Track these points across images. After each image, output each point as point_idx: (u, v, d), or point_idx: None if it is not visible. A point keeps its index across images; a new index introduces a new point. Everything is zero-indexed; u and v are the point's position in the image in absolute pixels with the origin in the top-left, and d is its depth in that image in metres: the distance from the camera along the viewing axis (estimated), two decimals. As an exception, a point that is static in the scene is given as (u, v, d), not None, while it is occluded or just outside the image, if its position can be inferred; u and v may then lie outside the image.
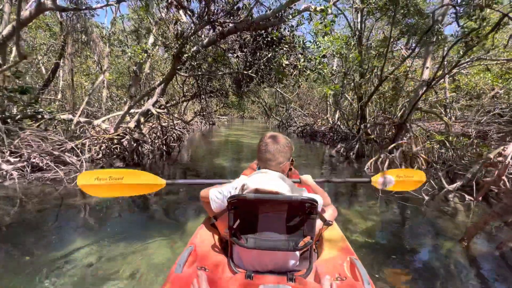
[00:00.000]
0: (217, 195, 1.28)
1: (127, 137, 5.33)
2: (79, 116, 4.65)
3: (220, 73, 4.89)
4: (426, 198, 3.27)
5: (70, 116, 4.73)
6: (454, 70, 7.69)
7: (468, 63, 7.19)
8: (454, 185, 3.44)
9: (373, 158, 5.07)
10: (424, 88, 5.52)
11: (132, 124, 5.83)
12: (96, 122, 5.60)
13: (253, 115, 37.43)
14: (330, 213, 1.42)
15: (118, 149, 5.32)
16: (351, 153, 6.43)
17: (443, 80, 8.30)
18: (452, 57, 9.16)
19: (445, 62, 9.35)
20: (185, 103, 11.70)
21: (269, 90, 27.35)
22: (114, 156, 5.19)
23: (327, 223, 1.22)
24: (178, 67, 4.52)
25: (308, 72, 4.53)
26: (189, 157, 6.52)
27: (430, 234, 2.62)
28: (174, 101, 10.29)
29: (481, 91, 7.06)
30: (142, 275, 1.80)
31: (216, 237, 1.39)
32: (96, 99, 11.34)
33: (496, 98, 8.62)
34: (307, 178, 1.53)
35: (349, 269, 1.15)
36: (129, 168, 4.81)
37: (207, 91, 6.78)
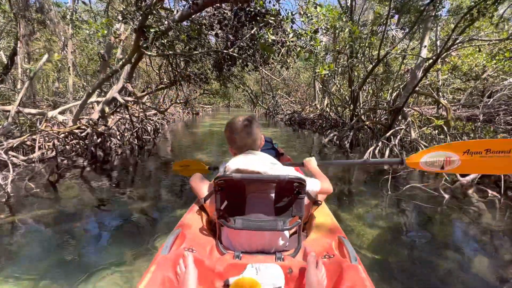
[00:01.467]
0: (205, 178, 1.33)
1: (89, 130, 4.53)
2: (18, 105, 3.79)
3: (195, 52, 4.15)
4: (446, 196, 2.74)
5: (14, 108, 3.87)
6: (446, 53, 7.27)
7: (460, 43, 6.80)
8: (469, 177, 2.98)
9: (372, 148, 4.57)
10: (428, 64, 5.00)
11: (95, 115, 5.01)
12: (51, 113, 4.74)
13: (239, 104, 36.51)
14: (316, 186, 1.31)
15: (80, 144, 4.53)
16: (345, 142, 5.92)
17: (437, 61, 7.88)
18: (443, 39, 8.79)
19: (438, 42, 8.96)
20: (164, 92, 10.77)
21: (254, 77, 26.49)
22: (73, 153, 4.40)
23: (316, 203, 1.25)
24: (144, 45, 3.73)
25: (299, 49, 3.88)
26: (167, 150, 5.79)
27: (451, 244, 2.13)
28: (150, 89, 9.39)
29: (479, 72, 6.69)
30: (128, 259, 1.78)
31: (205, 220, 1.37)
32: (67, 89, 10.19)
33: (486, 80, 8.37)
34: (310, 160, 1.51)
35: (337, 248, 1.16)
36: (93, 165, 4.06)
37: (184, 76, 5.98)
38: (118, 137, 5.20)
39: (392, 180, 3.10)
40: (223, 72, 6.40)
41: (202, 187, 1.33)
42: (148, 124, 6.98)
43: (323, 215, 1.43)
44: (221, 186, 1.09)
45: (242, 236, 1.14)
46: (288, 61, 4.99)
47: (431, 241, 2.12)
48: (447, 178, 3.02)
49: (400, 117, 5.58)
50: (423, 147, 4.57)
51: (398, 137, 4.74)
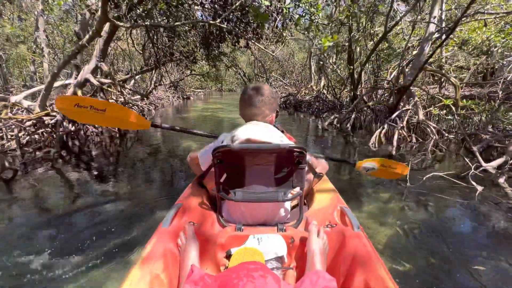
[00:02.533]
0: (203, 153, 1.21)
1: (58, 117, 3.96)
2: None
3: (177, 23, 3.54)
4: (479, 188, 2.27)
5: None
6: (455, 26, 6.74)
7: (465, 17, 6.26)
8: (495, 162, 2.59)
9: (378, 131, 4.14)
10: (445, 34, 4.49)
11: (67, 100, 4.41)
12: (14, 98, 4.13)
13: (231, 87, 35.44)
14: (322, 165, 1.32)
15: (50, 133, 3.98)
16: (347, 125, 5.47)
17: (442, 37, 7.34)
18: (447, 12, 8.20)
19: (443, 16, 8.37)
20: (152, 75, 10.01)
21: (247, 58, 25.48)
22: (40, 144, 3.86)
23: (318, 176, 1.26)
24: (116, 15, 3.12)
25: (298, 16, 3.31)
26: (152, 137, 5.26)
27: (485, 247, 1.75)
28: (135, 72, 8.65)
29: (488, 47, 6.20)
30: (130, 234, 1.76)
31: (205, 194, 1.34)
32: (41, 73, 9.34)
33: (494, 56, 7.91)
34: None
35: (339, 217, 1.15)
36: (67, 157, 3.55)
37: (167, 54, 5.35)
38: (94, 125, 4.63)
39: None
40: (212, 50, 5.78)
41: (201, 161, 1.24)
42: (132, 109, 6.39)
43: (325, 187, 1.41)
44: (219, 158, 1.04)
45: (243, 209, 1.13)
46: (284, 34, 4.42)
47: (460, 242, 1.73)
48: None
49: (406, 97, 5.13)
50: (432, 128, 4.17)
51: (406, 118, 4.32)
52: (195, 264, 0.86)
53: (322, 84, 11.85)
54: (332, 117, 6.03)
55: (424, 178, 2.46)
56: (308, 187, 1.35)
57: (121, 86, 5.38)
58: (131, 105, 6.46)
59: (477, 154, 2.70)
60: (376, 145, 4.13)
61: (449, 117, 5.02)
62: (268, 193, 1.06)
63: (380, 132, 4.21)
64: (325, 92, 10.75)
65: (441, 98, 5.20)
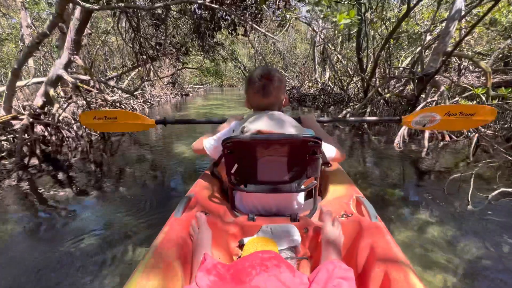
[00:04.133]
0: (211, 142, 1.19)
1: (25, 121, 3.38)
2: None
3: (157, 5, 2.90)
4: None
5: None
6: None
7: None
8: None
9: (403, 128, 3.50)
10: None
11: (39, 101, 3.82)
12: (-25, 100, 3.55)
13: (232, 83, 34.70)
14: (338, 153, 1.20)
15: (13, 140, 3.40)
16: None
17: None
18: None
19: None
20: (143, 70, 9.38)
21: (247, 52, 24.67)
22: (4, 154, 3.28)
23: (327, 165, 1.12)
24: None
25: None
26: (141, 139, 4.67)
27: None
28: (125, 69, 8.04)
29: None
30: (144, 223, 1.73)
31: (217, 185, 1.31)
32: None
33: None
34: (309, 117, 1.36)
35: (355, 207, 1.10)
36: (39, 166, 2.98)
37: (155, 46, 4.71)
38: (75, 128, 4.05)
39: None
40: (206, 40, 5.12)
41: (209, 151, 1.19)
42: (119, 108, 5.79)
43: (339, 176, 1.36)
44: (229, 148, 1.00)
45: (256, 200, 1.11)
46: (288, 16, 3.75)
47: None
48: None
49: (430, 87, 4.45)
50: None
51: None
52: (208, 253, 0.79)
53: (327, 76, 11.13)
54: (344, 112, 5.36)
55: (490, 197, 1.82)
56: (322, 178, 1.31)
57: (104, 83, 4.78)
58: (118, 104, 5.85)
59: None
60: (401, 145, 3.49)
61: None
62: (281, 184, 1.04)
63: (405, 129, 3.56)
64: (330, 84, 10.04)
65: (469, 87, 4.51)
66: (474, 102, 4.45)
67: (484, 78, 4.69)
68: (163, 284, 0.69)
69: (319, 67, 12.12)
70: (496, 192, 1.80)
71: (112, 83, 6.49)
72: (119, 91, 7.41)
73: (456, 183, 2.18)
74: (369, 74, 5.65)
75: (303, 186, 1.04)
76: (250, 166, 1.04)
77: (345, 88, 8.96)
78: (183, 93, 16.76)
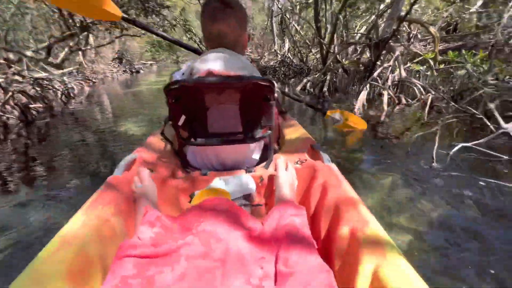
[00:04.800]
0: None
1: None
2: None
3: None
4: None
5: None
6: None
7: None
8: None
9: (362, 93, 3.45)
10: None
11: None
12: None
13: (188, 59, 32.63)
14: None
15: None
16: (324, 89, 4.70)
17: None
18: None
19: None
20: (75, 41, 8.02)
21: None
22: None
23: (284, 113, 1.22)
24: None
25: None
26: (74, 122, 3.98)
27: None
28: (53, 40, 6.75)
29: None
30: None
31: (167, 143, 1.17)
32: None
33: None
34: None
35: (310, 155, 1.09)
36: None
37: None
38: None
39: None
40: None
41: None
42: (48, 87, 4.85)
43: (295, 129, 1.36)
44: (174, 96, 0.89)
45: (210, 155, 1.02)
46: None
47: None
48: None
49: (385, 53, 4.48)
50: (420, 86, 3.61)
51: (390, 77, 3.67)
52: (151, 206, 0.72)
53: (286, 47, 10.89)
54: (304, 81, 5.22)
55: (451, 153, 1.80)
56: (277, 129, 1.28)
57: (19, 54, 3.87)
58: (47, 82, 4.90)
59: (496, 113, 2.12)
60: (361, 111, 3.46)
61: (428, 73, 4.53)
62: (234, 135, 0.97)
63: (364, 95, 3.53)
64: (290, 56, 9.86)
65: (420, 52, 4.65)
66: (424, 67, 4.64)
67: (432, 44, 4.88)
68: (98, 241, 0.61)
69: (278, 39, 11.78)
70: (456, 148, 1.80)
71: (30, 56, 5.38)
72: (50, 68, 6.24)
73: (418, 143, 2.17)
74: (328, 41, 5.53)
75: (258, 136, 0.96)
76: (200, 116, 0.95)
77: (304, 60, 8.88)
78: (133, 70, 15.17)
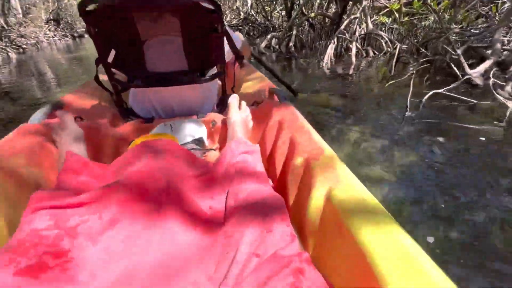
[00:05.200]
0: None
1: None
2: None
3: None
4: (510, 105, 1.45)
5: None
6: None
7: None
8: (482, 67, 2.00)
9: (330, 47, 3.25)
10: None
11: None
12: None
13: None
14: (238, 42, 0.96)
15: None
16: (290, 44, 4.39)
17: None
18: None
19: None
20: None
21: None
22: None
23: (240, 58, 0.93)
24: None
25: None
26: (4, 96, 3.30)
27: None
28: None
29: None
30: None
31: (103, 90, 0.97)
32: None
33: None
34: None
35: (267, 97, 1.01)
36: None
37: None
38: None
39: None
40: None
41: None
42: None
43: (252, 73, 1.26)
44: (96, 23, 0.68)
45: (151, 98, 0.87)
46: None
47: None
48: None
49: (351, 5, 4.23)
50: (386, 39, 3.50)
51: (358, 29, 3.49)
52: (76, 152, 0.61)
53: (249, 4, 10.10)
54: (269, 37, 4.85)
55: (424, 100, 1.72)
56: (232, 76, 1.07)
57: None
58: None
59: (462, 59, 2.07)
60: (329, 65, 3.29)
61: (395, 26, 4.44)
62: (179, 74, 0.82)
63: (332, 49, 3.33)
64: (253, 13, 9.18)
65: (386, 4, 4.48)
66: (390, 19, 4.53)
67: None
68: (3, 195, 0.51)
69: (240, -5, 10.83)
70: (428, 95, 1.73)
71: None
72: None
73: (389, 95, 2.09)
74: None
75: (208, 76, 0.83)
76: (135, 51, 0.78)
77: (269, 17, 8.33)
78: (75, 34, 13.15)
